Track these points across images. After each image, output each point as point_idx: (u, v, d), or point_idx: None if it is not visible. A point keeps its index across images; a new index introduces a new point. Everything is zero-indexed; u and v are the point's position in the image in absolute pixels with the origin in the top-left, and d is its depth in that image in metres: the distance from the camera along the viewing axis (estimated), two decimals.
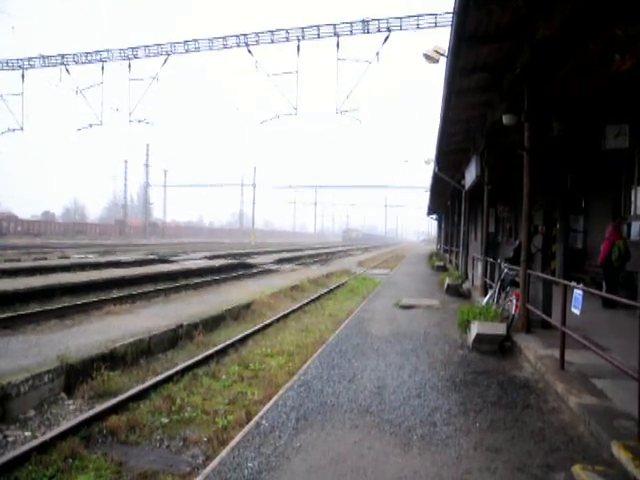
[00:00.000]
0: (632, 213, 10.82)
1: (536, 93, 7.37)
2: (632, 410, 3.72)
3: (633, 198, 10.84)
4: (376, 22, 16.30)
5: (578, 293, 5.06)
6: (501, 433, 3.98)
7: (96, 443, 4.49)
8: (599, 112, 9.40)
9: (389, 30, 16.05)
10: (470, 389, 5.14)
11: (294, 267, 24.94)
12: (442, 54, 11.73)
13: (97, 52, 19.84)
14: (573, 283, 5.43)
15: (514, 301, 7.66)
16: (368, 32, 16.51)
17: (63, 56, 20.30)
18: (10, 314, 9.26)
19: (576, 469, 3.25)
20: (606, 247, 9.53)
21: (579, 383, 4.80)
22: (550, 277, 7.96)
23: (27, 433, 4.76)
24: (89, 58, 19.99)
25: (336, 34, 16.75)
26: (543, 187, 15.02)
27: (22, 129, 21.92)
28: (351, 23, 16.69)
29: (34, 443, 4.26)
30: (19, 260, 21.44)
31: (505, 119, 8.51)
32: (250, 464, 3.41)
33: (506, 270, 8.66)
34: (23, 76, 20.83)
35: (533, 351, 6.13)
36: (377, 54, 16.19)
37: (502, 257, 12.72)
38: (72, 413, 5.26)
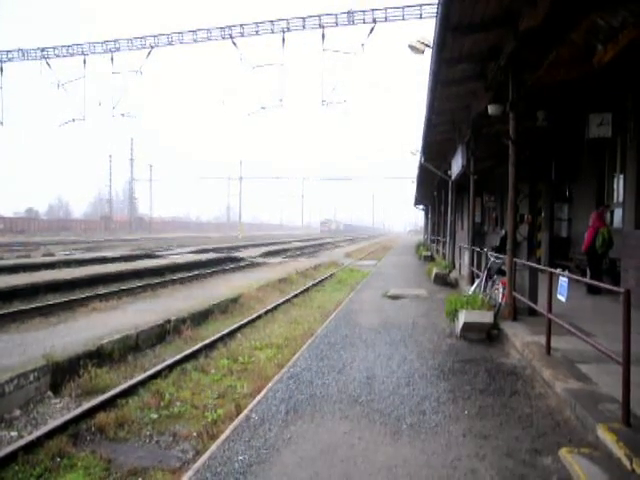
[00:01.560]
0: (615, 201, 10.98)
1: (521, 83, 7.42)
2: (616, 393, 3.78)
3: (616, 186, 11.00)
4: (361, 14, 16.24)
5: (563, 280, 5.13)
6: (489, 420, 4.03)
7: (84, 441, 4.44)
8: (583, 101, 9.50)
9: (374, 21, 16.00)
10: (458, 377, 5.18)
11: (282, 260, 24.91)
12: (427, 45, 11.71)
13: (78, 45, 19.47)
14: (558, 270, 5.50)
15: (501, 289, 7.75)
16: (353, 23, 16.44)
17: (43, 49, 19.87)
18: None
19: (563, 452, 3.31)
20: (590, 235, 9.67)
21: (565, 368, 4.87)
22: (536, 265, 8.05)
23: (13, 433, 4.69)
24: (70, 51, 19.61)
25: (321, 26, 16.65)
26: (528, 176, 15.20)
27: (2, 124, 21.50)
28: (336, 15, 16.60)
29: (20, 443, 4.19)
30: (1, 258, 21.08)
31: (490, 109, 8.56)
32: (240, 457, 3.40)
33: (492, 259, 8.74)
34: (2, 70, 20.37)
35: (520, 338, 6.21)
36: (362, 45, 16.18)
37: (488, 246, 12.85)
38: (59, 411, 5.20)
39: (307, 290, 13.93)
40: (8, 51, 20.38)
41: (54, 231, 59.30)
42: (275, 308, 10.87)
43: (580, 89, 8.67)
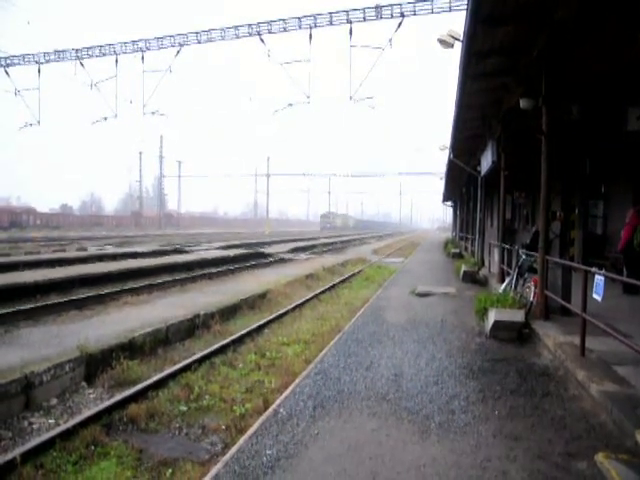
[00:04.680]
0: None
1: (554, 76, 7.19)
2: None
3: None
4: (389, 8, 16.05)
5: (599, 279, 4.96)
6: (520, 421, 3.94)
7: (117, 431, 4.57)
8: (620, 93, 9.13)
9: (402, 15, 15.78)
10: (488, 376, 5.10)
11: (309, 256, 24.96)
12: (457, 39, 11.50)
13: (110, 45, 19.93)
14: (594, 269, 5.33)
15: (532, 288, 7.57)
16: (381, 18, 16.26)
17: (77, 50, 20.43)
18: (31, 305, 9.44)
19: (599, 457, 3.21)
20: (627, 232, 9.34)
21: (600, 370, 4.72)
22: (569, 263, 7.82)
23: (51, 420, 4.87)
24: (103, 51, 20.10)
25: (349, 21, 16.53)
26: (561, 172, 14.74)
27: (39, 123, 22.19)
28: (364, 9, 16.45)
29: (58, 430, 4.35)
30: (39, 252, 21.82)
31: (522, 103, 8.33)
32: (268, 451, 3.43)
33: (524, 256, 8.55)
34: (39, 71, 21.03)
35: (552, 338, 6.05)
36: (390, 40, 15.96)
37: (519, 243, 12.55)
38: (93, 401, 5.36)
39: (334, 286, 13.93)
40: (45, 53, 21.03)
41: (87, 226, 61.04)
42: (302, 304, 10.92)
43: (618, 81, 8.35)
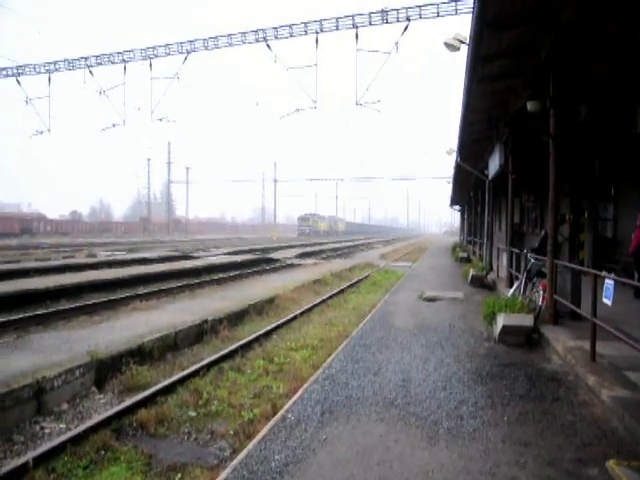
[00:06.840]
0: None
1: (562, 78, 7.16)
2: None
3: None
4: (395, 12, 16.10)
5: (609, 283, 4.92)
6: (530, 426, 3.91)
7: (127, 436, 4.59)
8: (630, 94, 9.07)
9: (408, 19, 15.81)
10: (497, 382, 5.06)
11: (316, 261, 24.95)
12: (463, 42, 11.49)
13: (119, 53, 20.18)
14: (604, 273, 5.28)
15: (541, 292, 7.52)
16: (387, 22, 16.30)
17: (86, 58, 20.71)
18: (42, 311, 9.55)
19: (610, 464, 3.17)
20: (638, 235, 9.25)
21: (611, 375, 4.68)
22: (579, 267, 7.76)
23: (62, 425, 4.90)
24: (111, 59, 20.35)
25: (355, 26, 16.60)
26: (570, 174, 14.63)
27: (49, 131, 22.46)
28: (370, 14, 16.52)
29: (69, 435, 4.38)
30: (49, 259, 22.05)
31: (529, 106, 8.30)
32: (277, 457, 3.44)
33: (532, 260, 8.50)
34: (49, 79, 21.33)
35: (562, 343, 6.00)
36: (396, 44, 15.99)
37: (528, 247, 12.47)
38: (103, 407, 5.39)
39: (342, 291, 13.92)
40: (55, 62, 21.33)
41: (96, 233, 61.54)
42: (310, 309, 10.92)
43: (626, 81, 8.29)
